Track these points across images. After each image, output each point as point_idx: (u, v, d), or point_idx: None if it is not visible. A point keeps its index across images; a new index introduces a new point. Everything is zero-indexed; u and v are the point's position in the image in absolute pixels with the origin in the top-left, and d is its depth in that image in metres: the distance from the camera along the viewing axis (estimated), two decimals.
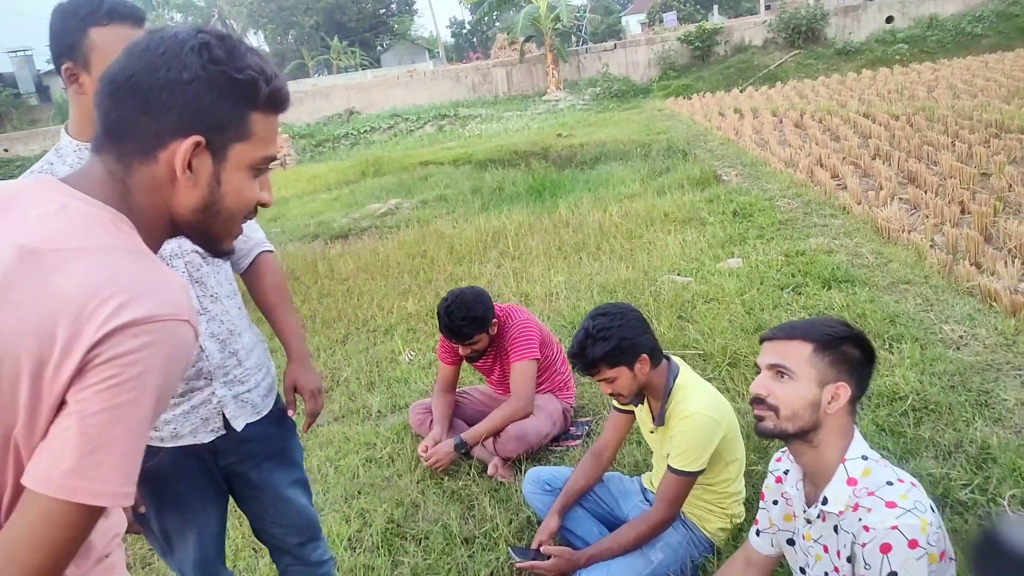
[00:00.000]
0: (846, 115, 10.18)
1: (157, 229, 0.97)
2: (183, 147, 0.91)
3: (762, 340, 1.59)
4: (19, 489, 0.83)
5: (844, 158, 7.83)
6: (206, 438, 1.74)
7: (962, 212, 5.56)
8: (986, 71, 12.82)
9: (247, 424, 1.79)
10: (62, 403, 0.81)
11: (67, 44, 1.48)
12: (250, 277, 1.93)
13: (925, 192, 6.07)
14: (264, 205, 1.05)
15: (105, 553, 1.02)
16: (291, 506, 1.94)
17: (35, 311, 0.81)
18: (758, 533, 1.78)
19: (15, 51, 38.76)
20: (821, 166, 7.53)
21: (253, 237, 1.91)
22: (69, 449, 0.79)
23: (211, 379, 1.71)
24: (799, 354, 1.50)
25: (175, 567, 1.89)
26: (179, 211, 0.97)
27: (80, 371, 0.80)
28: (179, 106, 0.91)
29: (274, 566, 2.12)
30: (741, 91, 15.67)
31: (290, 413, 1.92)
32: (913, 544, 1.31)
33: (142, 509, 1.72)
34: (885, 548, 1.32)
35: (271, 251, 1.96)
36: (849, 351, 1.51)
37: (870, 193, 6.38)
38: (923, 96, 10.74)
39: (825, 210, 5.98)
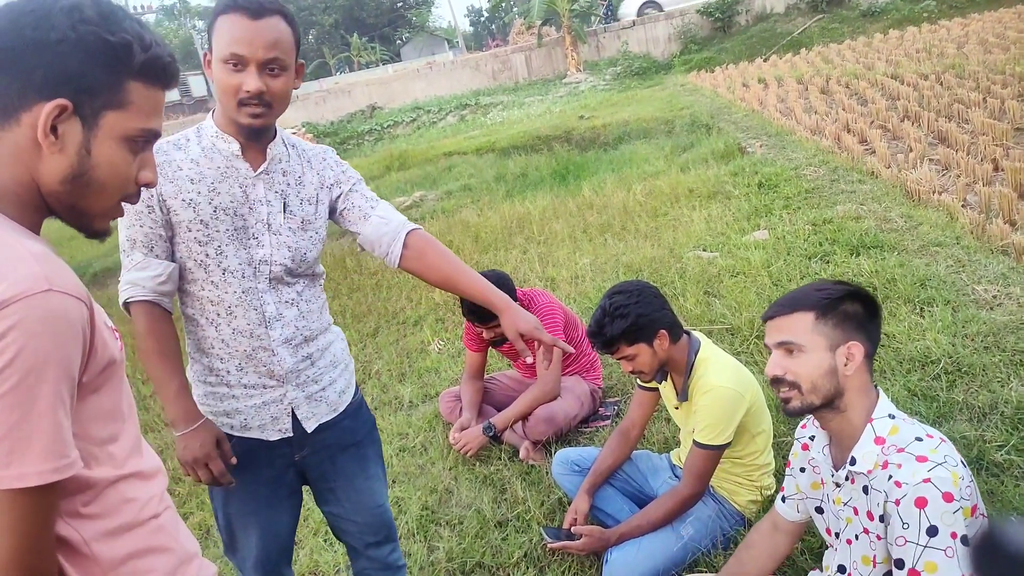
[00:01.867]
0: (873, 78, 9.94)
1: (28, 204, 0.93)
2: (46, 109, 0.87)
3: (764, 320, 1.58)
4: None
5: (872, 122, 7.66)
6: (272, 436, 1.74)
7: (995, 170, 5.41)
8: (1019, 23, 12.38)
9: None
10: None
11: (207, 30, 1.57)
12: (410, 258, 1.78)
13: (956, 152, 5.92)
14: (148, 185, 1.01)
15: (152, 514, 1.03)
16: (366, 501, 1.91)
17: None
18: (784, 499, 1.78)
19: None
20: (848, 131, 7.38)
21: (394, 219, 1.79)
22: None
23: (283, 381, 1.71)
24: (803, 325, 1.48)
25: (236, 563, 1.88)
26: (46, 181, 0.92)
27: None
28: (44, 66, 0.87)
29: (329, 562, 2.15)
30: (765, 60, 15.37)
31: (528, 361, 1.79)
32: (948, 497, 1.29)
33: (233, 460, 1.68)
34: (920, 502, 1.30)
35: (418, 228, 1.81)
36: (850, 308, 1.49)
37: (899, 156, 6.25)
38: (953, 53, 10.42)
39: (853, 176, 5.87)
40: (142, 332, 1.63)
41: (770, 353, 1.56)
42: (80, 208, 0.96)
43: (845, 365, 1.46)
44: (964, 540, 1.29)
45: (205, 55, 1.59)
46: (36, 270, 0.84)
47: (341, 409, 1.83)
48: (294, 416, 1.74)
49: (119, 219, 1.59)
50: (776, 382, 1.51)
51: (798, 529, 1.80)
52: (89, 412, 0.94)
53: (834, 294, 1.49)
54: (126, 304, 1.64)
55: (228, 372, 1.69)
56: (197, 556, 1.10)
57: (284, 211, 1.68)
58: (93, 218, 0.99)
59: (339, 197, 1.78)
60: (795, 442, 1.74)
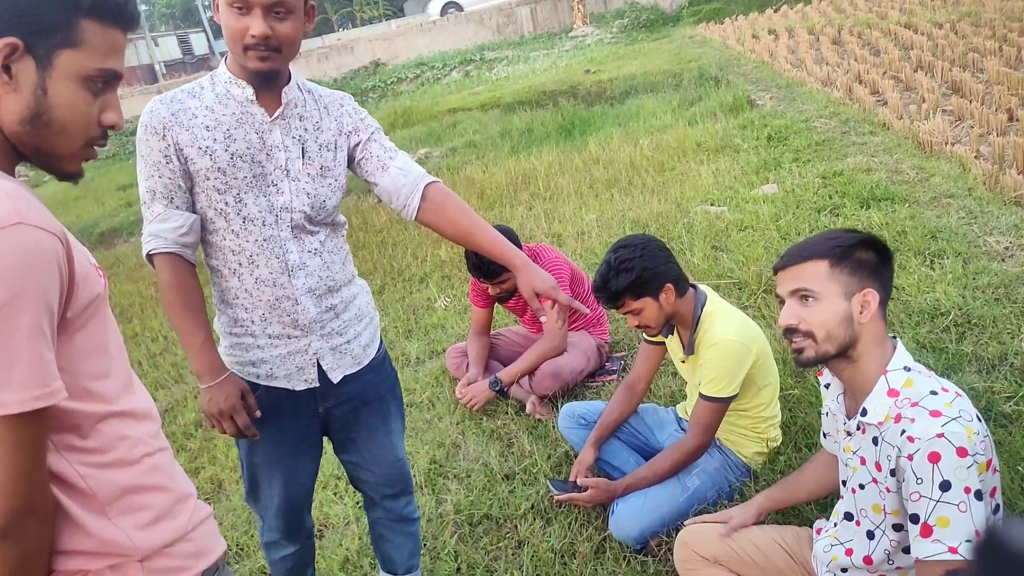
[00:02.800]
0: (886, 27, 9.71)
1: None
2: None
3: (775, 270, 1.56)
4: None
5: (884, 72, 7.50)
6: (298, 386, 1.75)
7: (1009, 120, 5.30)
8: None
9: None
10: None
11: None
12: (427, 211, 1.75)
13: (970, 102, 5.79)
14: (112, 128, 1.01)
15: (146, 452, 1.04)
16: (386, 453, 1.93)
17: None
18: (824, 436, 1.78)
19: None
20: (860, 82, 7.23)
21: (413, 171, 1.76)
22: None
23: (307, 332, 1.71)
24: (817, 273, 1.46)
25: (259, 511, 1.91)
26: (5, 122, 0.93)
27: None
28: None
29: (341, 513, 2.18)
30: (775, 11, 15.02)
31: (543, 319, 1.77)
32: (962, 452, 1.28)
33: (258, 413, 1.69)
34: (934, 457, 1.29)
35: (436, 181, 1.79)
36: (864, 255, 1.47)
37: (911, 107, 6.12)
38: (968, 1, 10.16)
39: (864, 128, 5.77)
40: (166, 284, 1.63)
41: (780, 305, 1.53)
42: (45, 150, 0.97)
43: (860, 312, 1.44)
44: (978, 495, 1.28)
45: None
46: (7, 205, 0.85)
47: (365, 363, 1.83)
48: (319, 367, 1.75)
49: (139, 170, 1.58)
50: (789, 332, 1.49)
51: None
52: (77, 348, 0.95)
53: (848, 241, 1.47)
54: (149, 256, 1.64)
55: (252, 322, 1.69)
56: (193, 496, 1.11)
57: (302, 157, 1.66)
58: (60, 160, 0.99)
59: (357, 145, 1.75)
60: (820, 386, 1.73)
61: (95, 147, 1.01)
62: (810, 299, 1.46)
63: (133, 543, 1.00)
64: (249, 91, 1.60)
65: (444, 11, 21.36)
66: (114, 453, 1.00)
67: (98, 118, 0.98)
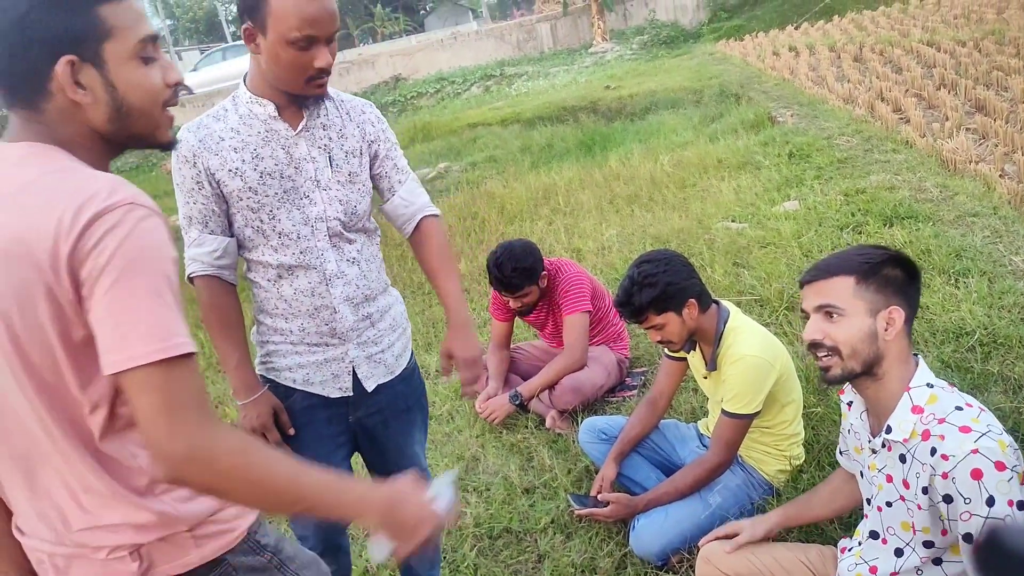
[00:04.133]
0: (908, 45, 9.68)
1: (95, 150, 1.02)
2: (60, 73, 0.95)
3: (801, 284, 1.55)
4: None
5: (907, 90, 7.47)
6: (333, 394, 1.77)
7: None
8: None
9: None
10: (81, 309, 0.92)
11: (249, 5, 1.51)
12: (415, 241, 1.89)
13: (994, 120, 5.75)
14: (177, 84, 1.06)
15: None
16: (411, 464, 1.93)
17: (18, 238, 0.91)
18: (841, 452, 1.77)
19: None
20: (882, 100, 7.21)
21: (416, 202, 1.86)
22: (104, 334, 0.91)
23: (344, 340, 1.74)
24: (843, 289, 1.45)
25: (298, 530, 1.91)
26: (99, 127, 1.01)
27: (75, 280, 0.90)
28: (33, 39, 0.94)
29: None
30: (796, 28, 15.02)
31: (444, 380, 1.91)
32: (1000, 466, 1.28)
33: (291, 431, 1.74)
34: (976, 474, 1.28)
35: (436, 215, 1.90)
36: (891, 273, 1.46)
37: (935, 125, 6.09)
38: (992, 18, 10.09)
39: (887, 145, 5.74)
40: (205, 305, 1.70)
41: (805, 320, 1.53)
42: (137, 133, 1.04)
43: (886, 330, 1.43)
44: (1020, 506, 1.28)
45: (248, 29, 1.53)
46: (122, 189, 0.94)
47: (397, 373, 1.85)
48: (355, 376, 1.77)
49: (177, 197, 1.66)
50: (814, 347, 1.48)
51: None
52: None
53: (875, 258, 1.46)
54: (190, 278, 1.70)
55: (291, 331, 1.73)
56: None
57: (330, 165, 1.69)
58: (153, 135, 1.06)
59: (375, 158, 1.79)
60: (841, 403, 1.72)
61: (169, 108, 1.07)
62: (835, 315, 1.45)
63: (179, 514, 1.05)
64: (271, 107, 1.62)
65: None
66: None
67: (163, 82, 1.04)
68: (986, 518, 1.28)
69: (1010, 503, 1.27)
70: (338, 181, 1.69)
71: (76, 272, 0.90)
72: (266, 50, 1.52)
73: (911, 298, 1.48)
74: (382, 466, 1.94)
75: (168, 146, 1.09)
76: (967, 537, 1.32)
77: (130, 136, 1.04)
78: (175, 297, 0.94)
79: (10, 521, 1.11)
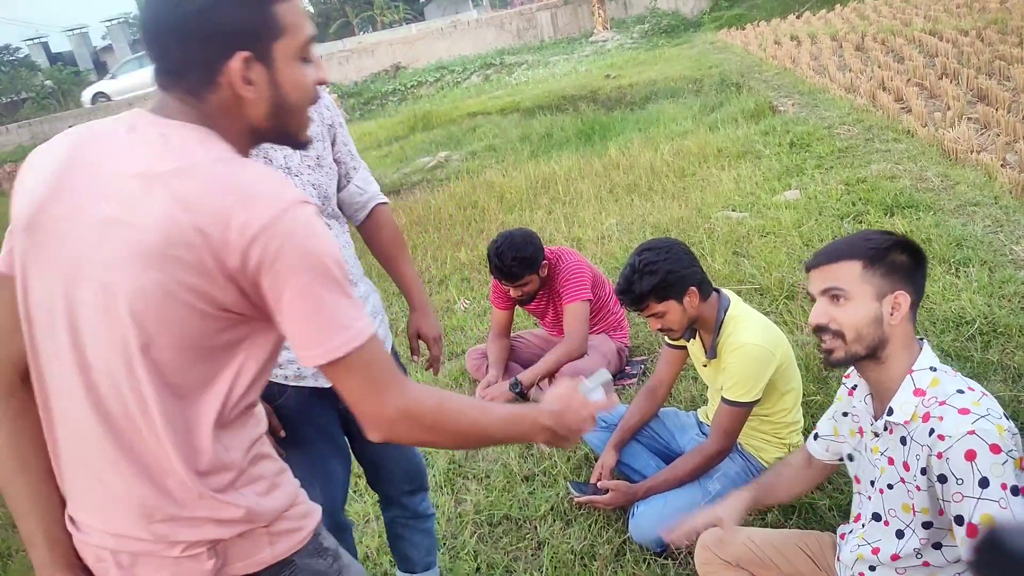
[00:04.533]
0: (910, 34, 9.64)
1: (242, 141, 1.04)
2: (234, 68, 0.96)
3: (808, 269, 1.55)
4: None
5: (908, 79, 7.45)
6: (326, 384, 1.77)
7: None
8: None
9: None
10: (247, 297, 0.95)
11: None
12: (367, 230, 1.94)
13: (996, 110, 5.73)
14: (323, 83, 1.09)
15: (258, 423, 1.11)
16: (405, 450, 1.97)
17: (175, 229, 0.90)
18: (816, 437, 1.77)
19: (71, 29, 39.67)
20: (884, 89, 7.18)
21: (368, 190, 1.90)
22: (298, 333, 0.96)
23: None
24: (850, 273, 1.45)
25: None
26: (256, 122, 1.02)
27: (248, 282, 0.93)
28: (214, 32, 0.95)
29: (360, 512, 2.19)
30: (798, 17, 14.94)
31: (415, 359, 1.94)
32: (995, 448, 1.28)
33: (282, 434, 1.74)
34: (970, 455, 1.29)
35: (386, 203, 1.96)
36: (898, 258, 1.46)
37: (936, 114, 6.07)
38: (995, 8, 10.05)
39: (888, 135, 5.73)
40: None
41: (811, 304, 1.53)
42: (284, 131, 1.07)
43: (891, 314, 1.44)
44: (1015, 491, 1.28)
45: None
46: (287, 186, 0.97)
47: None
48: None
49: None
50: (819, 330, 1.49)
51: (828, 468, 1.80)
52: None
53: (882, 243, 1.46)
54: None
55: None
56: (287, 469, 1.17)
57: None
58: (297, 135, 1.09)
59: (333, 143, 1.80)
60: (841, 386, 1.73)
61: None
62: (841, 299, 1.46)
63: (261, 509, 1.05)
64: None
65: (95, 100, 22.35)
66: (248, 425, 1.07)
67: (315, 82, 1.07)
68: (978, 499, 1.28)
69: (1003, 486, 1.27)
70: (308, 166, 1.69)
71: (251, 275, 0.92)
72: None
73: (917, 283, 1.48)
74: (373, 455, 1.96)
75: (305, 146, 1.12)
76: (958, 519, 1.32)
77: (280, 134, 1.06)
78: (347, 280, 0.97)
79: (63, 514, 1.08)
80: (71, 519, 1.06)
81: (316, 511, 1.17)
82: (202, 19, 0.94)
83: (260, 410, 1.12)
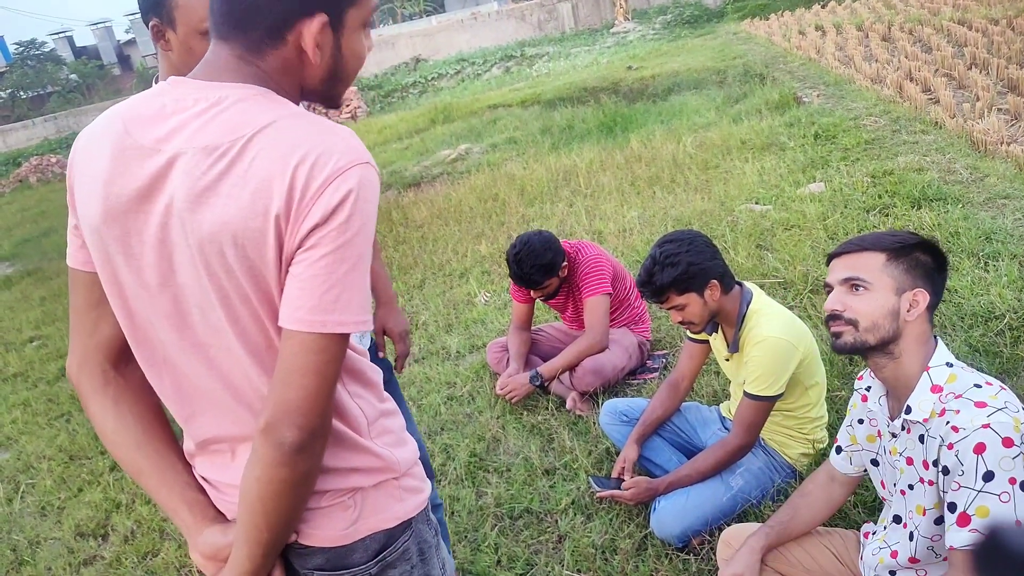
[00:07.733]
0: (939, 24, 9.48)
1: (291, 99, 1.02)
2: (312, 28, 0.94)
3: (830, 258, 1.55)
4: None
5: (937, 70, 7.32)
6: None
7: None
8: None
9: None
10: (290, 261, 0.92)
11: (154, 1, 1.48)
12: None
13: None
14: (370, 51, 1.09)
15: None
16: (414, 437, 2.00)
17: (243, 197, 0.89)
18: (838, 451, 1.75)
19: (96, 23, 40.16)
20: (911, 80, 7.07)
21: None
22: (308, 291, 0.90)
23: None
24: (873, 264, 1.45)
25: None
26: (309, 84, 1.01)
27: (298, 233, 0.89)
28: None
29: None
30: (823, 7, 14.74)
31: (380, 355, 1.94)
32: (1008, 442, 1.26)
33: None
34: (979, 448, 1.27)
35: None
36: (921, 257, 1.46)
37: (965, 105, 5.97)
38: None
39: (915, 126, 5.63)
40: None
41: (828, 293, 1.52)
42: (331, 94, 1.05)
43: (908, 310, 1.43)
44: (1023, 486, 1.26)
45: (155, 26, 1.50)
46: (358, 144, 0.94)
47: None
48: None
49: None
50: (832, 318, 1.48)
51: (853, 481, 1.77)
52: None
53: (908, 241, 1.46)
54: None
55: None
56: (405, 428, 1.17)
57: None
58: (339, 97, 1.07)
59: None
60: (854, 392, 1.71)
61: None
62: (861, 288, 1.46)
63: (396, 459, 1.07)
64: None
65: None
66: (370, 375, 1.09)
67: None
68: (979, 492, 1.27)
69: (1012, 481, 1.26)
70: None
71: (301, 230, 0.90)
72: (177, 45, 1.51)
73: (937, 285, 1.48)
74: None
75: (338, 107, 1.10)
76: (951, 507, 1.31)
77: (325, 96, 1.04)
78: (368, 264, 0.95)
79: (192, 476, 1.10)
80: (205, 479, 1.09)
81: (428, 480, 1.17)
82: None
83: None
